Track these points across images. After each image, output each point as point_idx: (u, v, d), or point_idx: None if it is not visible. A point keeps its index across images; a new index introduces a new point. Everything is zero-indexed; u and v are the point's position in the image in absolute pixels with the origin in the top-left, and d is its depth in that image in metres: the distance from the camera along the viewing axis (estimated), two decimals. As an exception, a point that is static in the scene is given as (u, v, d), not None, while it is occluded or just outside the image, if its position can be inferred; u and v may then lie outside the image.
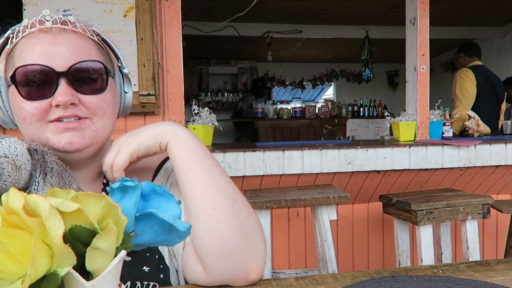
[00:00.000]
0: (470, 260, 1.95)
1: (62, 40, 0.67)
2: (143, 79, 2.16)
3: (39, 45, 0.66)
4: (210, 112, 2.30)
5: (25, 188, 0.62)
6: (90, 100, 0.67)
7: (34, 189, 0.61)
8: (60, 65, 0.65)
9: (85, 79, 0.67)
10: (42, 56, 0.65)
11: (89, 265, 0.30)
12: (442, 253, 2.14)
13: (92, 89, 0.68)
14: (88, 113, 0.68)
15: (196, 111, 2.27)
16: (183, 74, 2.24)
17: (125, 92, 0.77)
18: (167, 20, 2.20)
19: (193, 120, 2.26)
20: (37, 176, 0.62)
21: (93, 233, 0.29)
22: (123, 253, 0.31)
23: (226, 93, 6.91)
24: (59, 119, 0.66)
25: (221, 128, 2.29)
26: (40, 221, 0.27)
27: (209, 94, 6.81)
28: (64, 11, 2.17)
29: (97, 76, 0.68)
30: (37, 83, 0.65)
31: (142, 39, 2.17)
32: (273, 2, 3.99)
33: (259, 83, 6.15)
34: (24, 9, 2.11)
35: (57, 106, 0.65)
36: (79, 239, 0.29)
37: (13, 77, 0.65)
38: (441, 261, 2.14)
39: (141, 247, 0.34)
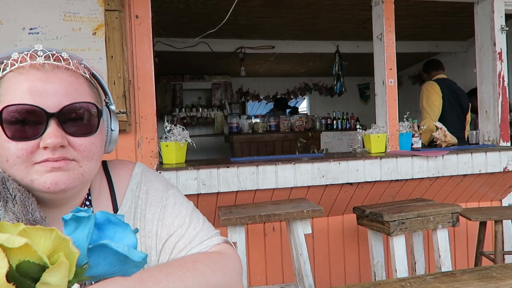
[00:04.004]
0: (442, 268, 1.99)
1: (55, 79, 0.65)
2: (114, 97, 2.13)
3: (29, 83, 0.63)
4: (183, 128, 2.28)
5: None
6: (79, 142, 0.66)
7: None
8: (52, 106, 0.63)
9: (76, 121, 0.65)
10: (32, 95, 0.62)
11: (39, 302, 0.28)
12: (415, 263, 2.18)
13: (83, 131, 0.66)
14: (76, 155, 0.66)
15: (168, 128, 2.25)
16: (155, 91, 2.22)
17: (111, 130, 0.76)
18: (138, 37, 2.19)
19: (166, 137, 2.24)
20: None
21: (43, 268, 0.28)
22: (75, 286, 0.30)
23: (200, 109, 6.90)
24: (45, 161, 0.63)
25: (194, 145, 2.28)
26: (-17, 260, 0.26)
27: (183, 109, 6.78)
28: (31, 29, 2.13)
29: (88, 117, 0.67)
30: (25, 124, 0.62)
31: (112, 57, 2.15)
32: (245, 18, 4.04)
33: (282, 101, 6.71)
34: (-12, 28, 2.05)
35: (45, 148, 0.62)
36: (27, 275, 0.28)
37: None
38: (415, 270, 2.18)
39: (96, 279, 0.34)
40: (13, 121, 0.62)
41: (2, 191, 0.61)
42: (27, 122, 0.62)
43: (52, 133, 0.62)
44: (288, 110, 6.54)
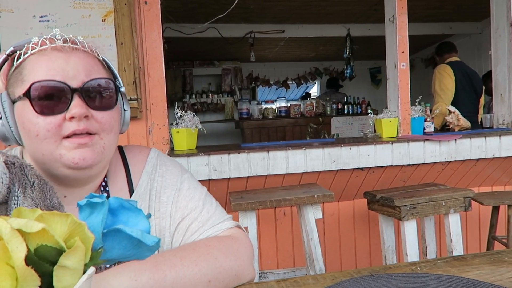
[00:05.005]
0: (453, 252, 1.98)
1: (75, 58, 0.70)
2: (124, 84, 2.14)
3: (52, 62, 0.68)
4: (193, 115, 2.29)
5: (5, 202, 0.61)
6: (100, 115, 0.70)
7: (14, 204, 0.60)
8: (74, 82, 0.68)
9: (97, 96, 0.70)
10: (57, 72, 0.67)
11: (57, 284, 0.30)
12: (426, 247, 2.18)
13: (103, 105, 0.71)
14: (98, 128, 0.70)
15: (179, 115, 2.26)
16: (165, 77, 2.22)
17: (124, 110, 0.80)
18: (147, 23, 2.18)
19: (177, 124, 2.25)
20: (16, 190, 0.61)
21: (59, 252, 0.29)
22: (91, 269, 0.31)
23: (210, 95, 6.89)
24: (72, 134, 0.67)
25: (205, 131, 2.29)
26: (2, 244, 0.27)
27: (193, 96, 6.78)
28: (41, 17, 2.14)
29: (107, 93, 0.72)
30: (52, 99, 0.66)
31: (122, 44, 2.15)
32: (254, 2, 3.99)
33: (335, 81, 6.71)
34: (0, 16, 2.07)
35: (71, 118, 0.67)
36: (45, 259, 0.29)
37: (27, 93, 0.66)
38: (426, 255, 2.18)
39: (111, 262, 0.35)
40: (41, 97, 0.66)
41: (21, 178, 0.62)
42: (53, 98, 0.67)
43: (78, 104, 0.67)
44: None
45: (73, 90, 0.67)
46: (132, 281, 0.58)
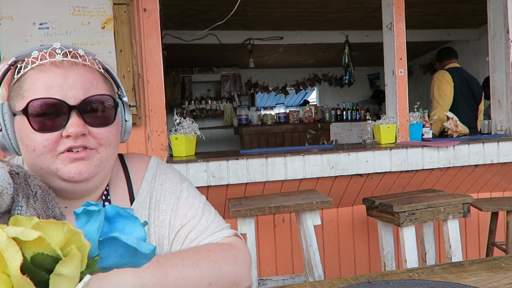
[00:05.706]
0: (452, 258, 1.98)
1: (74, 74, 0.69)
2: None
3: (51, 79, 0.68)
4: (192, 121, 2.30)
5: (8, 212, 0.61)
6: (98, 131, 0.70)
7: (18, 213, 0.61)
8: (72, 99, 0.68)
9: (95, 112, 0.70)
10: (54, 89, 0.67)
11: (53, 292, 0.30)
12: (426, 253, 2.18)
13: (101, 122, 0.71)
14: (95, 143, 0.70)
15: (178, 121, 2.26)
16: (164, 84, 2.23)
17: (126, 120, 0.80)
18: (146, 30, 2.19)
19: (176, 130, 2.26)
20: (20, 200, 0.61)
21: (56, 260, 0.30)
22: (87, 277, 0.31)
23: (209, 101, 6.91)
24: (68, 149, 0.68)
25: (203, 137, 2.29)
26: (-2, 252, 0.27)
27: (192, 102, 6.80)
28: (41, 24, 2.15)
29: (105, 109, 0.72)
30: (49, 116, 0.67)
31: (121, 51, 2.16)
32: (253, 9, 4.02)
33: (380, 95, 6.99)
34: (0, 23, 2.08)
35: (68, 136, 0.67)
36: (42, 267, 0.29)
37: (25, 110, 0.66)
38: (425, 261, 2.17)
39: (107, 270, 0.35)
40: (39, 114, 0.66)
41: (25, 188, 0.63)
42: (51, 115, 0.67)
43: (75, 123, 0.67)
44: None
45: (71, 108, 0.67)
46: (135, 277, 0.60)
